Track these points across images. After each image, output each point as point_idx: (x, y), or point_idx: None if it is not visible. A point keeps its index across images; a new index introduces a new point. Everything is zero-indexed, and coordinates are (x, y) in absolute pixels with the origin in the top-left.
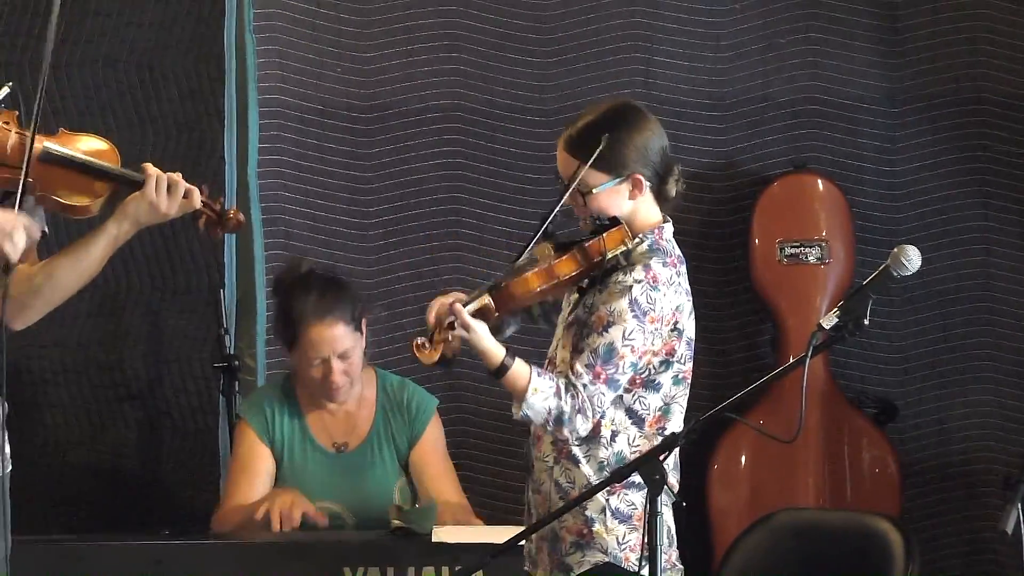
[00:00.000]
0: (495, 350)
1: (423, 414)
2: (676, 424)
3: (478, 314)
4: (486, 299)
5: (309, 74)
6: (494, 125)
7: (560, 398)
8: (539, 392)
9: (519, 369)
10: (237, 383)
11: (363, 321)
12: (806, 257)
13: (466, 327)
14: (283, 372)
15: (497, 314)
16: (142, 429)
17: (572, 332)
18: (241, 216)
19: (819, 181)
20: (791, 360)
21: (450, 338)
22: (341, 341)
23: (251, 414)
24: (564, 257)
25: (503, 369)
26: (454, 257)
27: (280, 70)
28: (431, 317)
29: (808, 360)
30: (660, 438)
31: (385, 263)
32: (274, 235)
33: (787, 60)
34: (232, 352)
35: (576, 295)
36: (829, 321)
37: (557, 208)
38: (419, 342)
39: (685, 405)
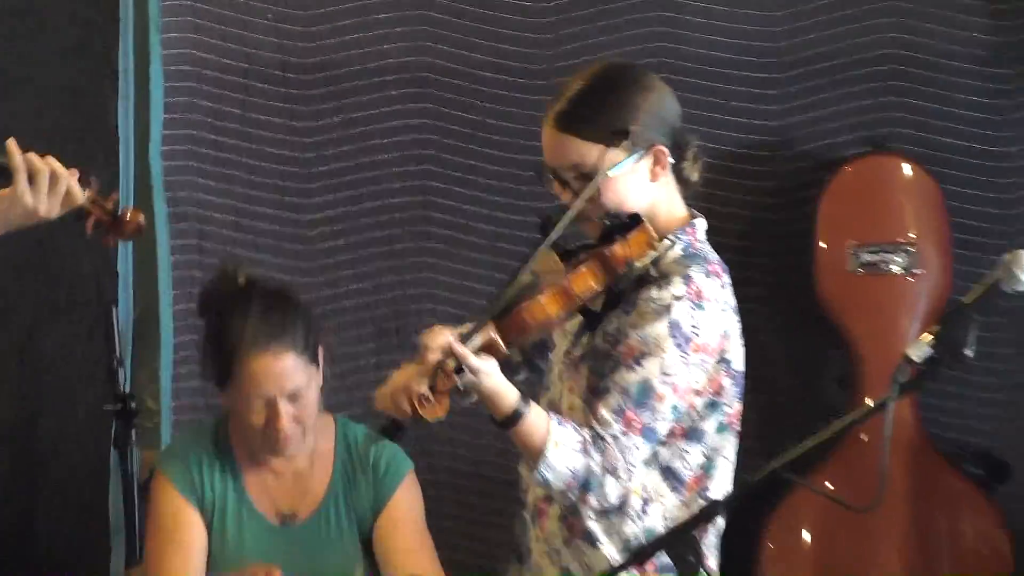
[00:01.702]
0: (507, 392)
1: (393, 475)
2: (721, 485)
3: (482, 351)
4: (490, 332)
5: (231, 22)
6: (474, 92)
7: (588, 454)
8: (562, 447)
9: (535, 417)
10: (134, 431)
11: (319, 352)
12: (888, 266)
13: (475, 370)
14: (211, 419)
15: (505, 349)
16: (7, 490)
17: (584, 369)
18: (141, 218)
19: (904, 165)
20: (868, 403)
21: (459, 385)
22: (291, 377)
23: (172, 467)
24: (580, 270)
25: (516, 417)
26: (424, 265)
27: (192, 16)
28: (429, 359)
29: (892, 403)
30: (701, 502)
31: (332, 273)
32: (184, 235)
33: (862, 6)
34: (128, 390)
35: (578, 320)
36: (919, 351)
37: (579, 204)
38: (422, 394)
39: (733, 460)
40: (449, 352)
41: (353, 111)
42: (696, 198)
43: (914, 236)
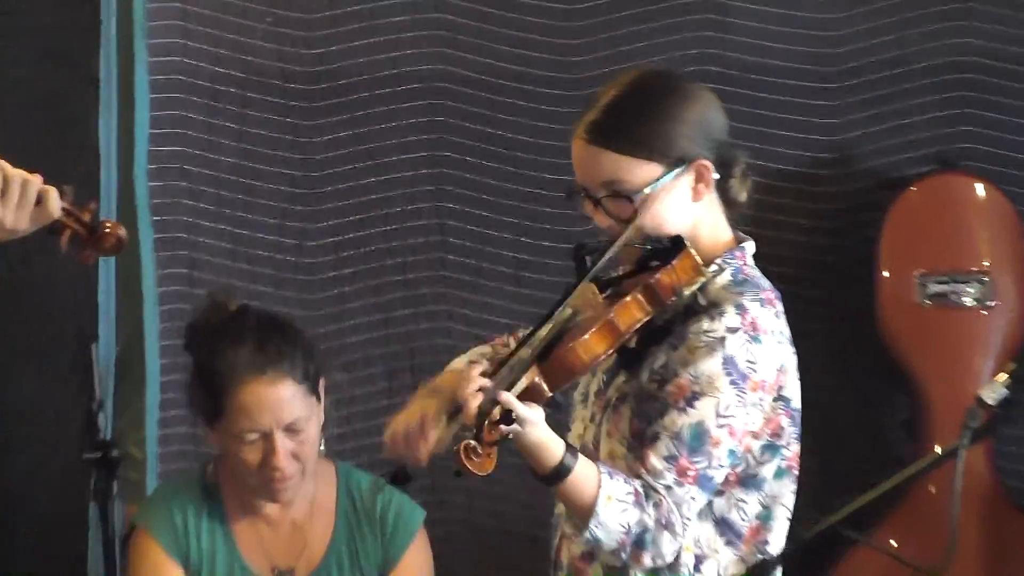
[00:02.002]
0: (553, 444)
1: (403, 531)
2: (780, 537)
3: (525, 396)
4: (533, 375)
5: (226, 26)
6: (496, 104)
7: (642, 508)
8: (614, 502)
9: (584, 470)
10: (116, 483)
11: (320, 384)
12: (959, 297)
13: (522, 420)
14: (195, 465)
15: (550, 394)
16: None
17: (625, 411)
18: (122, 232)
19: (977, 185)
20: (937, 450)
21: (506, 435)
22: (289, 407)
23: (154, 522)
24: (625, 302)
25: (563, 471)
26: (440, 296)
27: (182, 20)
28: (472, 407)
29: (963, 450)
30: (759, 556)
31: (338, 306)
32: (173, 263)
33: (931, 7)
34: (109, 436)
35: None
36: (994, 392)
37: (622, 241)
38: (469, 446)
39: (791, 508)
40: (493, 399)
41: (362, 125)
42: (743, 222)
43: (988, 264)
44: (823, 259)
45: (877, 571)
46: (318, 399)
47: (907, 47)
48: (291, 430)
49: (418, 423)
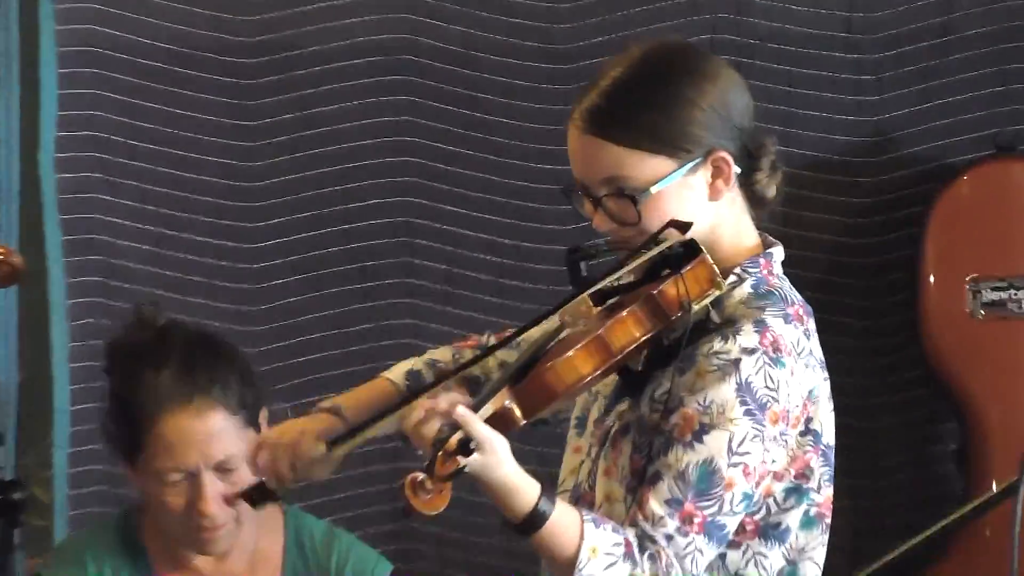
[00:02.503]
0: (525, 485)
1: None
2: None
3: (493, 423)
4: (504, 398)
5: None
6: (473, 82)
7: (634, 562)
8: (600, 555)
9: (563, 518)
10: (17, 530)
11: (261, 415)
12: (1020, 306)
13: (482, 443)
14: (113, 511)
15: (523, 421)
16: None
17: (624, 446)
18: (17, 259)
19: None
20: (993, 486)
21: (462, 467)
22: (220, 442)
23: (62, 575)
24: (621, 316)
25: (538, 519)
26: (407, 309)
27: None
28: (423, 432)
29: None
30: None
31: (286, 320)
32: (86, 271)
33: None
34: (11, 477)
35: (612, 379)
36: None
37: (624, 272)
38: (416, 479)
39: (822, 563)
40: (453, 424)
41: (313, 106)
42: (768, 219)
43: None
44: (859, 262)
45: None
46: (257, 432)
47: (956, 10)
48: (222, 469)
49: (292, 440)
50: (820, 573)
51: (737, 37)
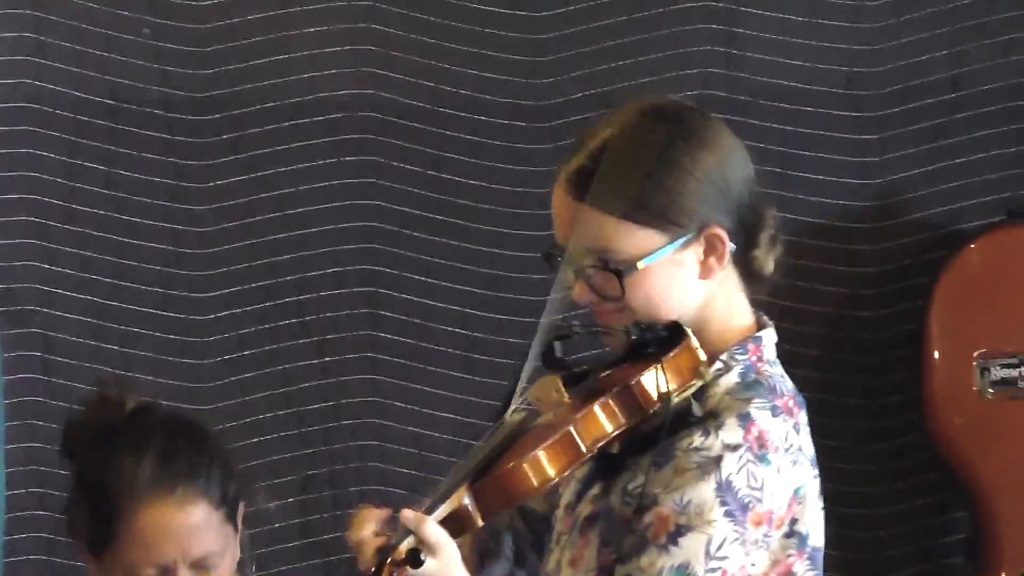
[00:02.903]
0: None
1: None
2: None
3: (447, 526)
4: (462, 499)
5: (93, 40)
6: (440, 140)
7: None
8: None
9: None
10: None
11: (240, 510)
12: None
13: (435, 548)
14: None
15: (481, 523)
16: None
17: (592, 537)
18: None
19: None
20: None
21: None
22: (201, 537)
23: None
24: (591, 410)
25: None
26: (369, 386)
27: (33, 30)
28: (365, 542)
29: None
30: None
31: (236, 397)
32: (20, 346)
33: (993, 15)
34: None
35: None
36: None
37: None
38: None
39: None
40: (402, 528)
41: (268, 167)
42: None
43: None
44: (860, 337)
45: None
46: (235, 529)
47: (966, 63)
48: (200, 567)
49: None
50: None
51: (729, 93)
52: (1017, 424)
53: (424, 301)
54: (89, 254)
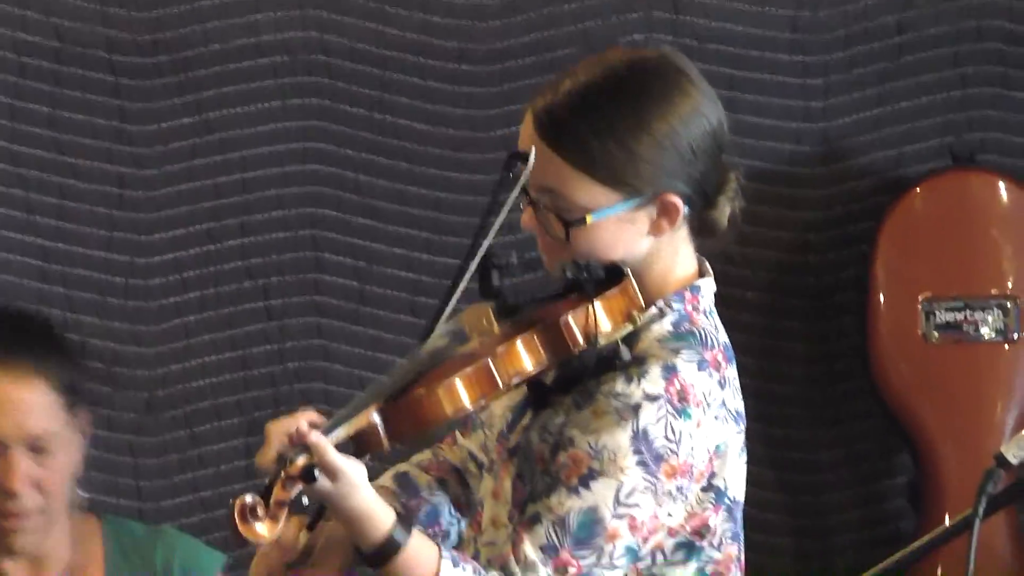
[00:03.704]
0: (378, 514)
1: None
2: None
3: (353, 445)
4: (370, 417)
5: None
6: (386, 83)
7: None
8: None
9: (419, 551)
10: None
11: (83, 413)
12: (975, 329)
13: (332, 471)
14: None
15: (388, 446)
16: None
17: (510, 467)
18: None
19: (1000, 185)
20: (947, 520)
21: (300, 498)
22: (37, 415)
23: None
24: (513, 345)
25: (389, 549)
26: (314, 328)
27: None
28: (267, 456)
29: (979, 521)
30: None
31: (181, 340)
32: None
33: None
34: None
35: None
36: (1019, 450)
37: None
38: (247, 503)
39: None
40: (300, 444)
41: (211, 109)
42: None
43: (1012, 287)
44: (805, 282)
45: None
46: (75, 422)
47: (911, 7)
48: (37, 449)
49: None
50: None
51: (674, 37)
52: (961, 368)
53: (368, 244)
54: (33, 195)
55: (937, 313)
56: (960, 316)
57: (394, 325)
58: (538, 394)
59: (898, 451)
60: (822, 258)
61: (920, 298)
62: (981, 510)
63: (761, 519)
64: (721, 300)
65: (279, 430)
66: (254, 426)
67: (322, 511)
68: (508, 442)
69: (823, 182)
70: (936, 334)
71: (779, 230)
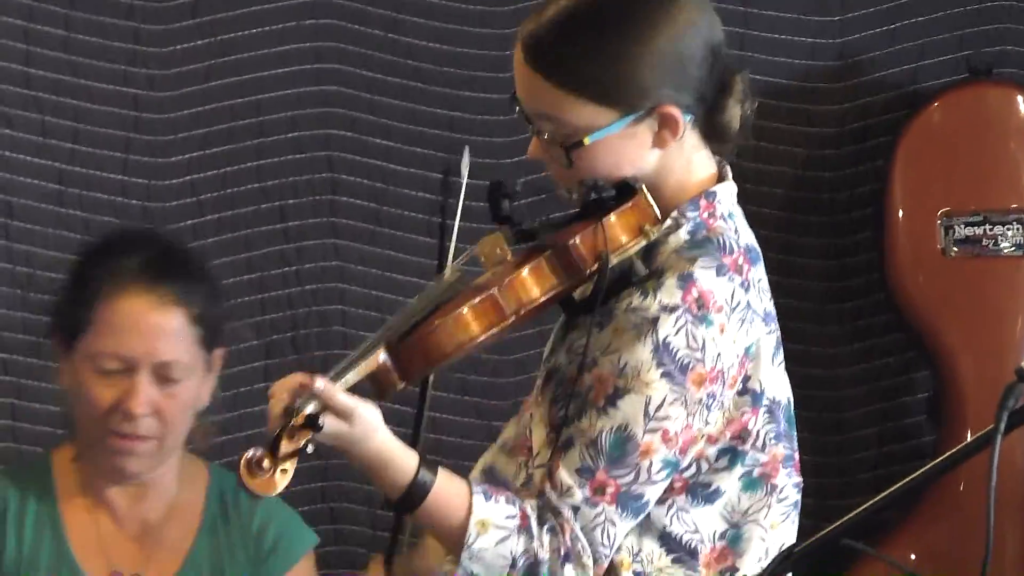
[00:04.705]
0: (400, 457)
1: (284, 554)
2: (755, 561)
3: (366, 388)
4: (379, 358)
5: None
6: (397, 2)
7: (531, 535)
8: (491, 529)
9: (447, 489)
10: None
11: (217, 350)
12: (995, 243)
13: (344, 412)
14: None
15: (402, 384)
16: None
17: (551, 390)
18: None
19: (1018, 99)
20: (968, 436)
21: (306, 447)
22: (170, 342)
23: None
24: (526, 268)
25: (417, 492)
26: (330, 250)
27: None
28: (276, 406)
29: (1000, 436)
30: None
31: None
32: None
33: None
34: None
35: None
36: None
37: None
38: (254, 456)
39: (773, 525)
40: (307, 392)
41: (226, 30)
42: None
43: None
44: (822, 198)
45: None
46: (208, 359)
47: None
48: (164, 376)
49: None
50: (771, 535)
51: None
52: (980, 282)
53: (384, 164)
54: (48, 118)
55: (956, 228)
56: (979, 230)
57: (410, 246)
58: (573, 311)
59: (918, 367)
60: (839, 174)
61: (938, 213)
62: (1002, 426)
63: None
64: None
65: (282, 387)
66: (272, 348)
67: (395, 544)
68: (547, 366)
69: (839, 97)
70: (955, 249)
71: (795, 146)
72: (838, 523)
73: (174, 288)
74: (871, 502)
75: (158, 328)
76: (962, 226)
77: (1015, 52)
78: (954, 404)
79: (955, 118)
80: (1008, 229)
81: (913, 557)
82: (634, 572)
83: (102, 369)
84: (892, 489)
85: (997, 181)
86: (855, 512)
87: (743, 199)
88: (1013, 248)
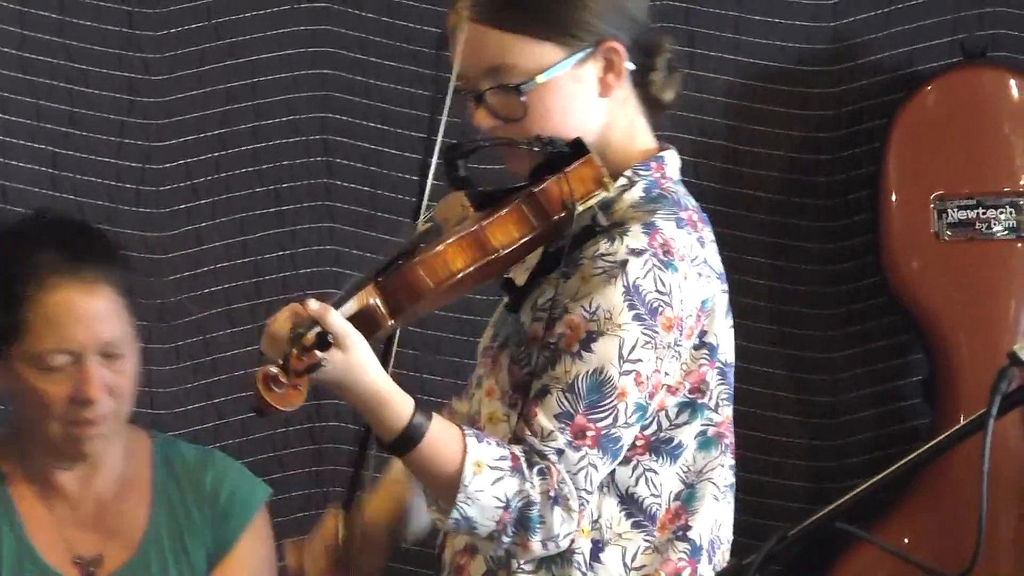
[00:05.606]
0: (396, 399)
1: (241, 510)
2: (707, 525)
3: (355, 324)
4: (369, 295)
5: None
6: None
7: (523, 477)
8: (485, 469)
9: (442, 432)
10: None
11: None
12: (988, 226)
13: (341, 336)
14: None
15: (391, 321)
16: None
17: (503, 359)
18: None
19: (1012, 83)
20: (961, 419)
21: (320, 362)
22: (108, 321)
23: None
24: (499, 214)
25: (414, 433)
26: (325, 234)
27: None
28: (281, 328)
29: (992, 420)
30: (678, 549)
31: (193, 245)
32: None
33: None
34: None
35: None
36: None
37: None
38: (271, 373)
39: (725, 488)
40: (308, 318)
41: (223, 13)
42: (715, 135)
43: None
44: (816, 181)
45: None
46: (136, 330)
47: None
48: (109, 354)
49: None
50: (719, 496)
51: None
52: (973, 266)
53: (380, 148)
54: (42, 102)
55: (949, 211)
56: (972, 214)
57: (404, 228)
58: (515, 295)
59: (913, 350)
60: (833, 157)
61: (932, 196)
62: (995, 409)
63: (775, 419)
64: (732, 201)
65: (284, 315)
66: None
67: (353, 494)
68: (493, 347)
69: (834, 80)
70: (949, 232)
71: (789, 129)
72: (831, 507)
73: (95, 267)
74: (864, 486)
75: (94, 311)
76: (955, 209)
77: (1009, 35)
78: (948, 387)
79: (949, 101)
80: (1001, 213)
81: (906, 541)
82: (592, 540)
83: (48, 366)
84: (885, 473)
85: (990, 165)
86: (848, 496)
87: (737, 183)
88: (1006, 232)
